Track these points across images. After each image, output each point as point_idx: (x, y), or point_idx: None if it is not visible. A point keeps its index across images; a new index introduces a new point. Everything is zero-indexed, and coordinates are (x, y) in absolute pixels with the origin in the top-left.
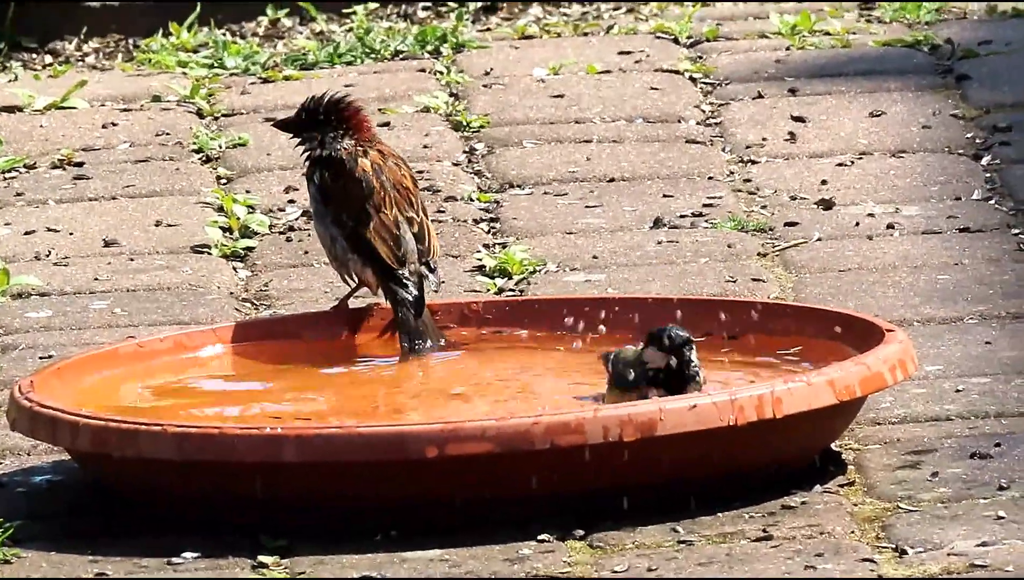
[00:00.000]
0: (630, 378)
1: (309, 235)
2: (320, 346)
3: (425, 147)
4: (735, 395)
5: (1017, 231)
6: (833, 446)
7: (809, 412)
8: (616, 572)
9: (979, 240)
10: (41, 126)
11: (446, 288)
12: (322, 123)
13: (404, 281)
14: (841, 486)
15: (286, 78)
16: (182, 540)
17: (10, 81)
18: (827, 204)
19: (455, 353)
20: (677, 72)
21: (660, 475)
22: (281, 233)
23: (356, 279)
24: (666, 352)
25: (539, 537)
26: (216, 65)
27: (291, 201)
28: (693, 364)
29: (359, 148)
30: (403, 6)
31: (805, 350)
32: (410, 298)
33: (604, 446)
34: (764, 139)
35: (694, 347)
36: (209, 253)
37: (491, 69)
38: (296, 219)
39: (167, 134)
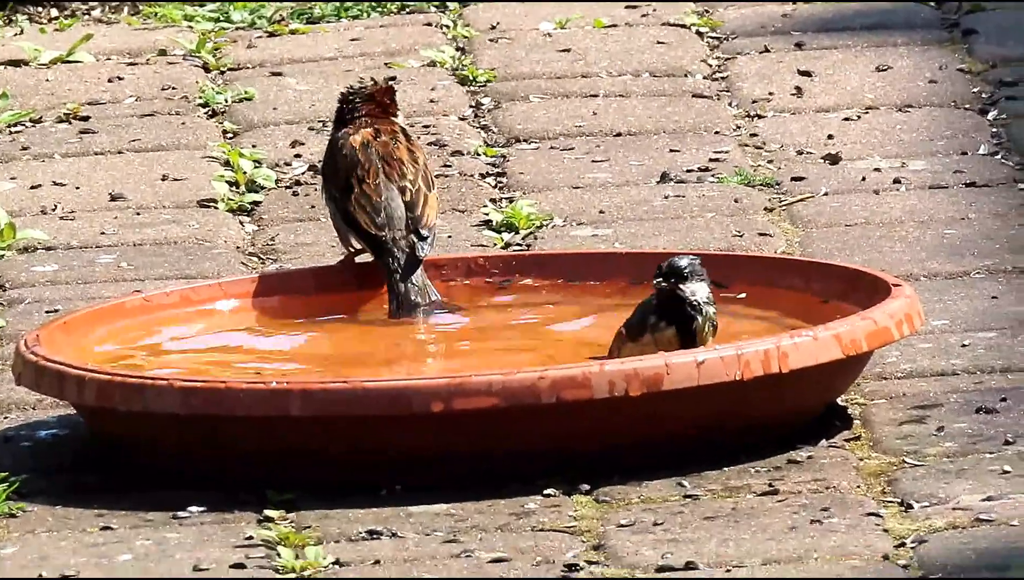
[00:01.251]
0: (635, 321)
1: (315, 189)
2: (327, 301)
3: (432, 101)
4: (741, 350)
5: (1023, 186)
6: (839, 401)
7: (815, 367)
8: (622, 526)
9: (985, 195)
10: (47, 80)
11: (453, 242)
12: (353, 110)
13: (388, 247)
14: (847, 441)
15: (292, 32)
16: (188, 494)
17: (16, 35)
18: (833, 159)
19: (456, 314)
20: (684, 26)
21: (666, 430)
22: (287, 187)
23: (353, 248)
24: (657, 274)
25: (545, 492)
26: (222, 19)
27: (297, 155)
28: (694, 295)
29: (358, 128)
30: None
31: (810, 306)
32: (392, 263)
33: (610, 400)
34: (771, 93)
35: (698, 280)
36: (215, 207)
37: (497, 23)
38: (302, 173)
39: (173, 88)
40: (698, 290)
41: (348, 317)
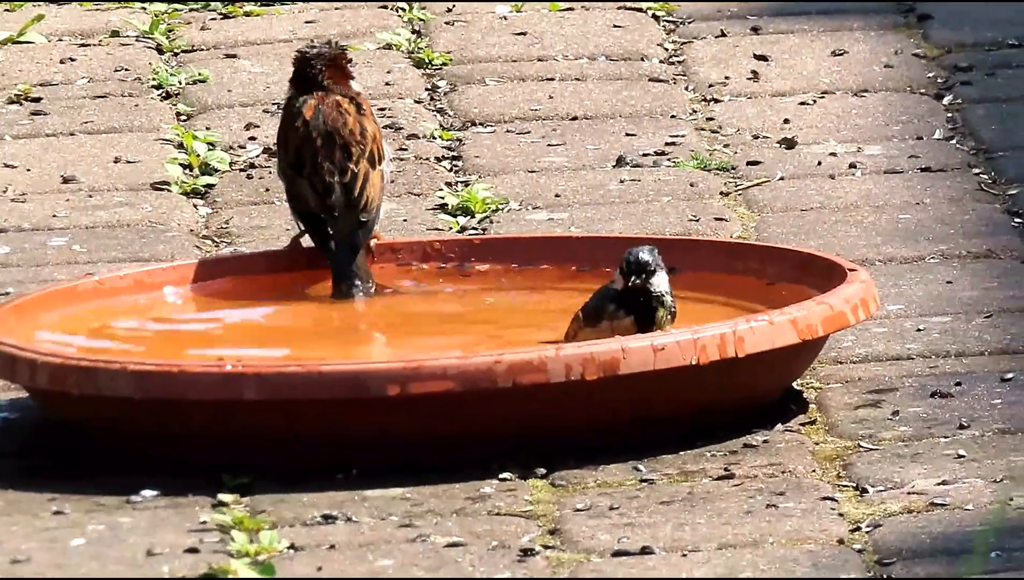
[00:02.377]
0: (593, 306)
1: (270, 172)
2: (280, 283)
3: (387, 84)
4: (698, 334)
5: (978, 171)
6: (795, 385)
7: (771, 351)
8: (578, 510)
9: (940, 180)
10: None
11: (408, 226)
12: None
13: (326, 230)
14: (803, 425)
15: (247, 14)
16: (142, 478)
17: None
18: (790, 143)
19: (402, 296)
20: (640, 10)
21: (622, 414)
22: (242, 170)
23: (300, 227)
24: (628, 271)
25: (501, 476)
26: (176, 0)
27: (252, 138)
28: (658, 287)
29: (315, 95)
30: None
31: (766, 291)
32: (331, 246)
33: (566, 385)
34: (727, 78)
35: (660, 271)
36: (169, 190)
37: (453, 6)
38: (257, 156)
39: (126, 70)
40: (660, 282)
41: (297, 299)
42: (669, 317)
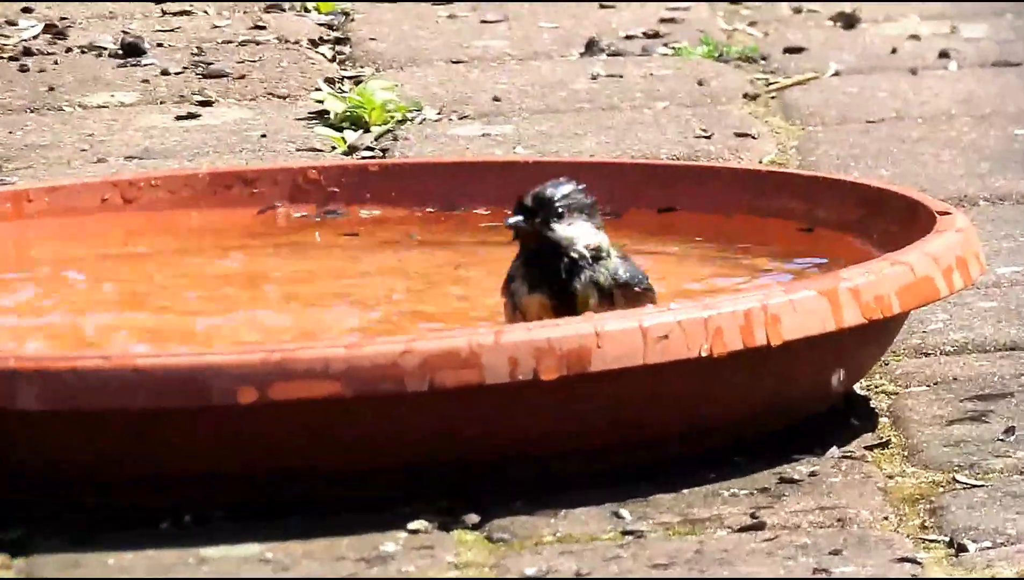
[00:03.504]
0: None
1: (56, 63)
2: (85, 227)
3: None
4: (710, 310)
5: None
6: (857, 389)
7: (821, 337)
8: (526, 575)
9: None
10: None
11: (269, 145)
12: None
13: None
14: (869, 448)
15: None
16: None
17: None
18: (849, 20)
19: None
20: None
21: (596, 432)
22: (12, 59)
23: None
24: (517, 213)
25: (410, 526)
26: None
27: (26, 10)
28: (572, 243)
29: None
30: None
31: (813, 244)
32: None
33: (511, 387)
34: None
35: (581, 218)
36: None
37: None
38: (34, 38)
39: None
40: (580, 234)
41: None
42: (597, 294)
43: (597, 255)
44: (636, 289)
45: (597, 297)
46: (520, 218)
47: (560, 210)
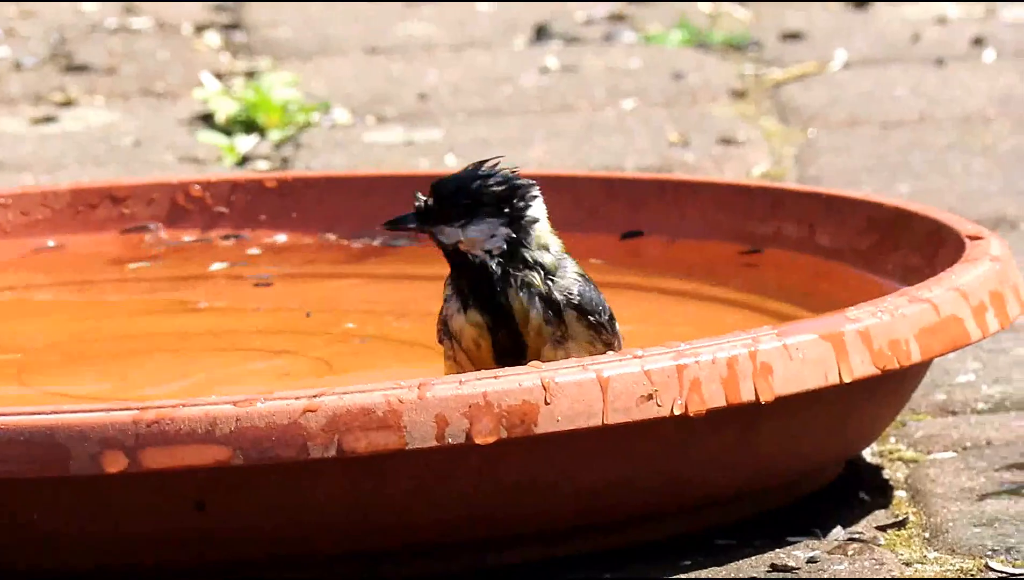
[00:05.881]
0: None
1: None
2: None
3: None
4: (685, 359)
5: None
6: (867, 455)
7: (823, 391)
8: None
9: None
10: None
11: (144, 153)
12: None
13: None
14: (882, 529)
15: None
16: None
17: None
18: None
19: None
20: None
21: (544, 512)
22: None
23: None
24: (407, 220)
25: None
26: None
27: None
28: (474, 242)
29: None
30: None
31: (813, 277)
32: None
33: (439, 453)
34: None
35: (496, 204)
36: None
37: None
38: None
39: None
40: (493, 232)
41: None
42: (566, 321)
43: (539, 259)
44: (592, 318)
45: (542, 312)
46: (407, 221)
47: (466, 203)
